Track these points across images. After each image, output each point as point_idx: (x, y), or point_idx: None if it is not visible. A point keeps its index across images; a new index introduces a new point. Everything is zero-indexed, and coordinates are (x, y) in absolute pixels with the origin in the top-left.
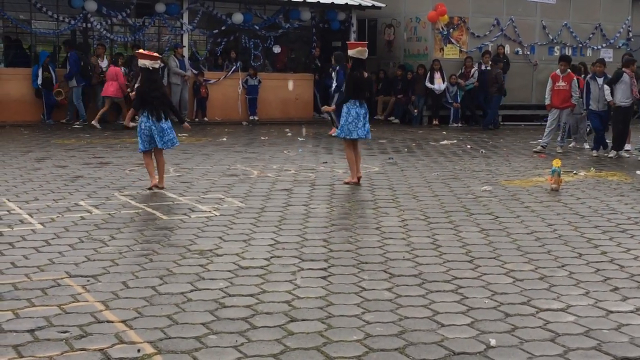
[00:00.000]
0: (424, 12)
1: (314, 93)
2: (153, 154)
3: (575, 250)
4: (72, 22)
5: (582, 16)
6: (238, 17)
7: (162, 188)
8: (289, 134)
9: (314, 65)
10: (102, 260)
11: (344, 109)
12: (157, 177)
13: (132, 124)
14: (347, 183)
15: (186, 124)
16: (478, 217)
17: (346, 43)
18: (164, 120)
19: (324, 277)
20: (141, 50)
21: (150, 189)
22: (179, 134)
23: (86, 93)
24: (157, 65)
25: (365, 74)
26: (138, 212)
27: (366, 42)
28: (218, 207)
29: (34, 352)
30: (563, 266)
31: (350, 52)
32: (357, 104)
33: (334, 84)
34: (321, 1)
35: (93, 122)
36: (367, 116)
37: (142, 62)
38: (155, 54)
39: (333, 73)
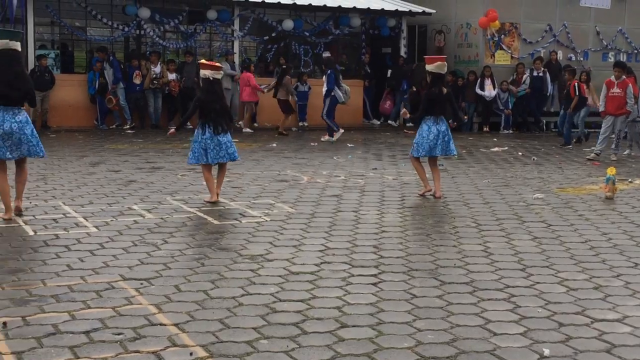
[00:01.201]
0: (475, 18)
1: (364, 99)
2: (215, 167)
3: (631, 259)
4: (126, 29)
5: (638, 21)
6: (288, 24)
7: (218, 201)
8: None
9: (363, 72)
10: (155, 264)
11: (424, 127)
12: (216, 193)
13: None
14: (422, 195)
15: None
16: (530, 225)
17: (423, 57)
18: (222, 133)
19: (374, 284)
20: (204, 61)
21: (209, 202)
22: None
23: (137, 98)
24: (218, 76)
25: (445, 90)
26: (190, 216)
27: (444, 57)
28: (268, 213)
29: (89, 354)
30: (618, 276)
31: (429, 67)
32: (436, 121)
33: (324, 89)
34: (371, 7)
35: (244, 130)
36: (449, 132)
37: (203, 73)
38: (218, 64)
39: (324, 77)
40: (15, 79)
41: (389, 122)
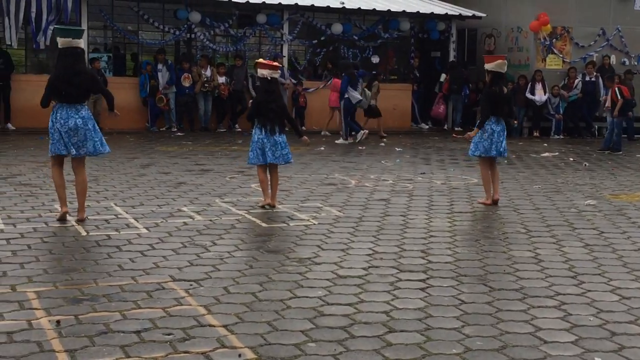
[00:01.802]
0: (526, 21)
1: (412, 103)
2: (268, 169)
3: None
4: (177, 32)
5: None
6: (337, 28)
7: (274, 207)
8: (382, 145)
9: (412, 75)
10: (204, 265)
11: (486, 127)
12: (269, 195)
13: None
14: (482, 204)
15: (305, 137)
16: (582, 231)
17: (483, 56)
18: (278, 133)
19: (422, 289)
20: (261, 60)
21: (262, 207)
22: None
23: (186, 101)
24: (276, 75)
25: (505, 89)
26: (238, 218)
27: (505, 55)
28: (316, 216)
29: (139, 353)
30: None
31: (488, 66)
32: (494, 121)
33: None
34: (421, 11)
35: (323, 132)
36: (505, 133)
37: (260, 72)
38: (276, 63)
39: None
40: (76, 76)
41: (456, 128)
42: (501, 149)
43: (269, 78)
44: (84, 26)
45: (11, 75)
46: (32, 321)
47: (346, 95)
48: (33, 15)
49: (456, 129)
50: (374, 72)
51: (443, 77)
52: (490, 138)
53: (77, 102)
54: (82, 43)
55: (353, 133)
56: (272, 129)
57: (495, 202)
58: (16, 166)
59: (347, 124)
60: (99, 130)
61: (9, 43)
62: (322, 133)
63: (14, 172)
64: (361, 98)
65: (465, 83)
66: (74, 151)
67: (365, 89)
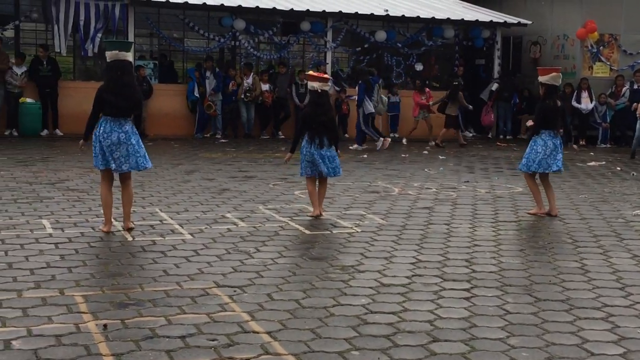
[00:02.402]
0: (573, 29)
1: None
2: (317, 181)
3: None
4: (222, 40)
5: None
6: (381, 35)
7: (321, 216)
8: (425, 152)
9: (456, 83)
10: (248, 272)
11: (539, 141)
12: (319, 206)
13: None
14: (532, 214)
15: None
16: (630, 242)
17: (537, 69)
18: (327, 146)
19: (466, 298)
20: (311, 72)
21: (312, 217)
22: None
23: (232, 109)
24: (326, 88)
25: (559, 103)
26: (282, 225)
27: (559, 68)
28: (359, 224)
29: (185, 358)
30: None
31: (543, 79)
32: (552, 135)
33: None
34: (465, 18)
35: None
36: (562, 147)
37: (311, 85)
38: (326, 76)
39: (356, 88)
40: (123, 89)
41: (521, 136)
42: (560, 164)
43: (319, 90)
44: (131, 34)
45: (58, 82)
46: (80, 325)
47: (364, 104)
48: (81, 23)
49: (506, 137)
50: (455, 83)
51: (495, 86)
52: (553, 154)
53: (122, 116)
54: (130, 56)
55: (379, 138)
56: (321, 142)
57: (547, 214)
58: (64, 172)
59: (368, 132)
60: (142, 145)
61: (58, 50)
62: (403, 142)
63: (61, 178)
64: (372, 110)
65: (515, 91)
66: (113, 166)
67: (382, 95)
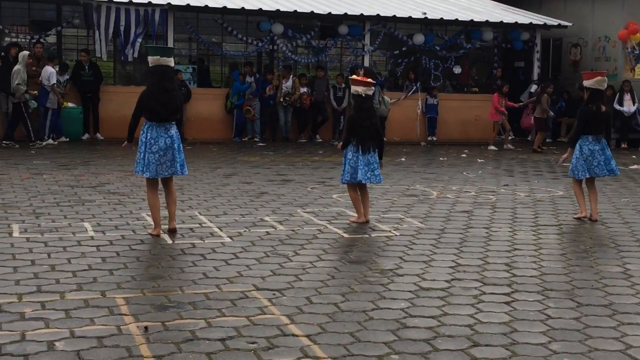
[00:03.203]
0: (614, 30)
1: None
2: (358, 187)
3: None
4: (260, 44)
5: None
6: (419, 38)
7: (367, 222)
8: (463, 156)
9: (495, 86)
10: (287, 275)
11: (582, 147)
12: (362, 212)
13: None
14: (577, 219)
15: (381, 163)
16: None
17: (581, 73)
18: (370, 152)
19: (507, 303)
20: (355, 76)
21: (356, 223)
22: None
23: (270, 112)
24: (370, 92)
25: (603, 107)
26: (320, 229)
27: (605, 72)
28: (398, 227)
29: None
30: None
31: (587, 83)
32: (592, 140)
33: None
34: (504, 21)
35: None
36: (607, 151)
37: (354, 89)
38: (370, 80)
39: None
40: (163, 95)
41: (561, 139)
42: (611, 167)
43: (363, 95)
44: (170, 39)
45: (100, 87)
46: (121, 327)
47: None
48: (122, 28)
49: (546, 140)
50: (541, 85)
51: (534, 87)
52: (587, 158)
53: (166, 120)
54: (171, 61)
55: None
56: (365, 147)
57: (590, 218)
58: (105, 175)
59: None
60: (182, 150)
61: (99, 55)
62: (490, 148)
63: (102, 181)
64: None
65: (560, 95)
66: (160, 172)
67: (384, 96)
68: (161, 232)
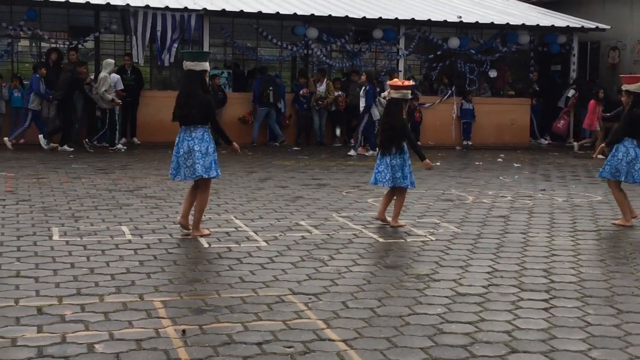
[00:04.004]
0: None
1: (531, 118)
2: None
3: None
4: (294, 48)
5: None
6: (454, 42)
7: (397, 226)
8: (499, 160)
9: (531, 90)
10: (323, 280)
11: (621, 148)
12: (394, 217)
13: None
14: (620, 225)
15: (427, 161)
16: None
17: (620, 76)
18: (393, 155)
19: (545, 309)
20: (395, 81)
21: (394, 227)
22: None
23: (305, 117)
24: (395, 95)
25: None
26: (355, 233)
27: None
28: (434, 232)
29: None
30: None
31: (630, 87)
32: (636, 144)
33: (362, 105)
34: (541, 24)
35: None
36: None
37: (392, 94)
38: (407, 83)
39: (361, 92)
40: (183, 98)
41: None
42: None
43: (389, 98)
44: (206, 43)
45: (140, 92)
46: (159, 330)
47: (371, 110)
48: (158, 34)
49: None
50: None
51: (571, 92)
52: (632, 162)
53: (188, 124)
54: (199, 66)
55: (367, 146)
56: (386, 149)
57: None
58: (142, 179)
59: (364, 136)
60: (212, 153)
61: (136, 60)
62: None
63: (139, 185)
64: (379, 117)
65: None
66: (182, 175)
67: (380, 99)
68: (183, 223)
